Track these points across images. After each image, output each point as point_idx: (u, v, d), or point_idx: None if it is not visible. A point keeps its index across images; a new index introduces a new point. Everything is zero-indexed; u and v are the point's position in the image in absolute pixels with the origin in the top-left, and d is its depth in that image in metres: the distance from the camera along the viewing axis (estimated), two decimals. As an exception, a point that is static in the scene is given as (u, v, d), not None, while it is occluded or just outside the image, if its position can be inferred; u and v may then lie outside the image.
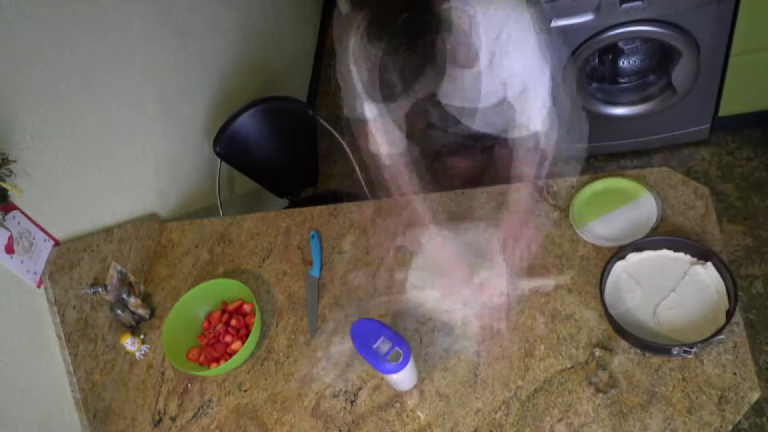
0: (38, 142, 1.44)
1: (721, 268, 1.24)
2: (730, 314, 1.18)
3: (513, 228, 1.43)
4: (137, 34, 1.82)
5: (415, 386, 1.33)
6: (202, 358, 1.49)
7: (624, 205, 1.43)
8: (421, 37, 1.06)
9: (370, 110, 1.37)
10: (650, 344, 1.20)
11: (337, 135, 2.05)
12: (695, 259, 1.29)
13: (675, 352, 1.17)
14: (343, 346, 1.43)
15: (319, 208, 1.72)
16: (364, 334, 1.27)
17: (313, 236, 1.65)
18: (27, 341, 1.39)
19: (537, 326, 1.33)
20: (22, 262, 1.37)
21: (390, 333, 1.25)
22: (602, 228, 1.41)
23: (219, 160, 2.04)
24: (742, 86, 2.18)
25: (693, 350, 1.15)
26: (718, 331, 1.15)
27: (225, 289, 1.56)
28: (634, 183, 1.45)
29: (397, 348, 1.22)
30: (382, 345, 1.24)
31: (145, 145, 1.82)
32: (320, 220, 1.68)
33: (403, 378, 1.27)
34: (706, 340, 1.15)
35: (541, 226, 1.46)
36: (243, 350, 1.42)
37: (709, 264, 1.26)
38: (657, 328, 1.23)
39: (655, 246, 1.32)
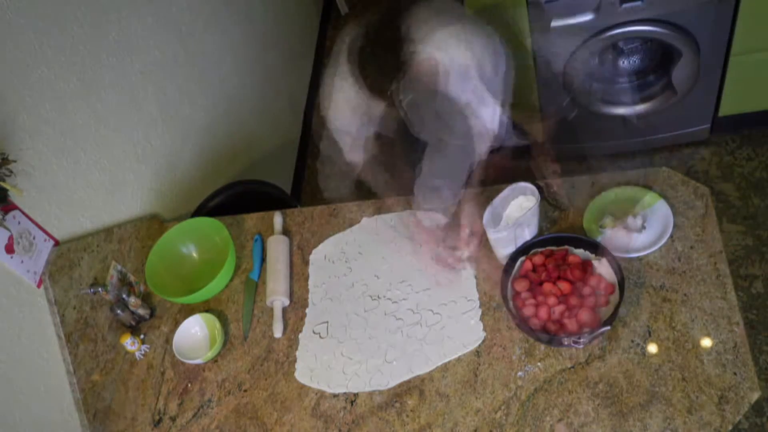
0: (38, 142, 1.44)
1: (613, 263, 1.30)
2: (617, 307, 1.23)
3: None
4: (137, 34, 1.82)
5: None
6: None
7: (638, 214, 1.40)
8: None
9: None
10: (543, 336, 1.27)
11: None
12: (593, 255, 1.35)
13: (566, 343, 1.25)
14: None
15: (319, 207, 1.72)
16: None
17: (256, 240, 1.66)
18: (27, 341, 1.39)
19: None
20: (22, 262, 1.37)
21: None
22: (619, 238, 1.38)
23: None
24: (742, 86, 2.18)
25: (582, 340, 1.22)
26: (605, 323, 1.22)
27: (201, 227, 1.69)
28: (645, 191, 1.43)
29: None
30: None
31: (145, 145, 1.82)
32: (320, 219, 1.68)
33: None
34: (593, 331, 1.22)
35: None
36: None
37: (604, 260, 1.32)
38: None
39: (558, 243, 1.39)
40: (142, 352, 1.58)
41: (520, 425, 1.22)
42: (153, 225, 1.80)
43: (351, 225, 1.64)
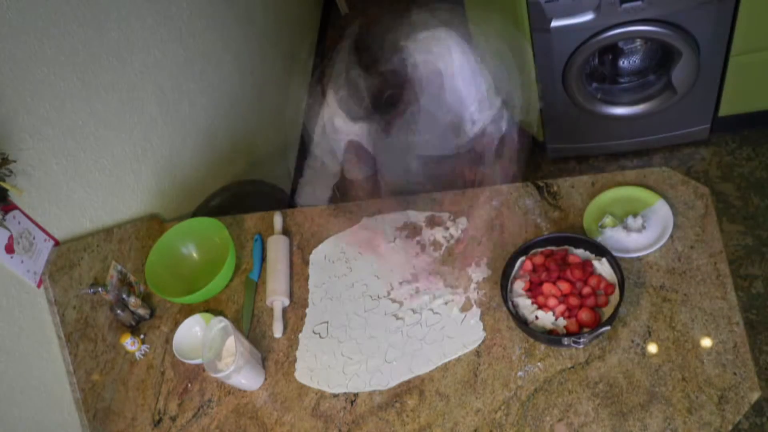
0: (38, 142, 1.44)
1: (613, 263, 1.30)
2: (617, 307, 1.23)
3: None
4: (137, 33, 1.82)
5: (259, 388, 1.42)
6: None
7: (638, 214, 1.40)
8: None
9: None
10: (543, 336, 1.27)
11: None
12: (593, 255, 1.35)
13: (565, 343, 1.25)
14: None
15: (319, 207, 1.72)
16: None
17: (256, 240, 1.66)
18: (27, 341, 1.39)
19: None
20: (22, 262, 1.37)
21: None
22: (619, 238, 1.39)
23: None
24: (742, 86, 2.18)
25: (582, 340, 1.22)
26: (605, 323, 1.22)
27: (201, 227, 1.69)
28: (645, 191, 1.43)
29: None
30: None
31: (145, 145, 1.82)
32: (320, 219, 1.68)
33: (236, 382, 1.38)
34: (593, 331, 1.22)
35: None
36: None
37: (604, 260, 1.32)
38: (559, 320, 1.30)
39: (558, 242, 1.38)
40: (142, 352, 1.58)
41: (520, 425, 1.22)
42: (153, 225, 1.80)
43: (351, 225, 1.64)
